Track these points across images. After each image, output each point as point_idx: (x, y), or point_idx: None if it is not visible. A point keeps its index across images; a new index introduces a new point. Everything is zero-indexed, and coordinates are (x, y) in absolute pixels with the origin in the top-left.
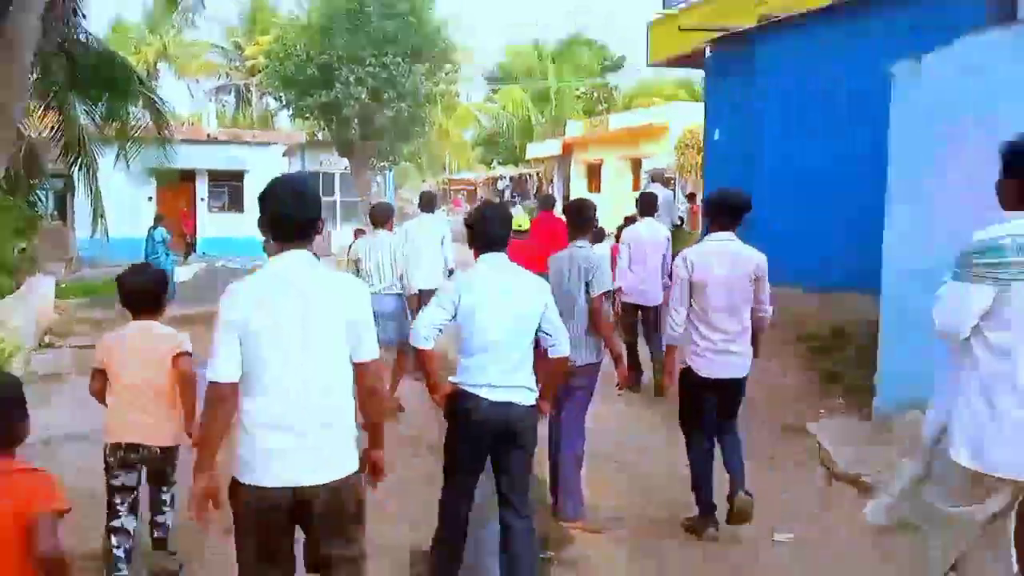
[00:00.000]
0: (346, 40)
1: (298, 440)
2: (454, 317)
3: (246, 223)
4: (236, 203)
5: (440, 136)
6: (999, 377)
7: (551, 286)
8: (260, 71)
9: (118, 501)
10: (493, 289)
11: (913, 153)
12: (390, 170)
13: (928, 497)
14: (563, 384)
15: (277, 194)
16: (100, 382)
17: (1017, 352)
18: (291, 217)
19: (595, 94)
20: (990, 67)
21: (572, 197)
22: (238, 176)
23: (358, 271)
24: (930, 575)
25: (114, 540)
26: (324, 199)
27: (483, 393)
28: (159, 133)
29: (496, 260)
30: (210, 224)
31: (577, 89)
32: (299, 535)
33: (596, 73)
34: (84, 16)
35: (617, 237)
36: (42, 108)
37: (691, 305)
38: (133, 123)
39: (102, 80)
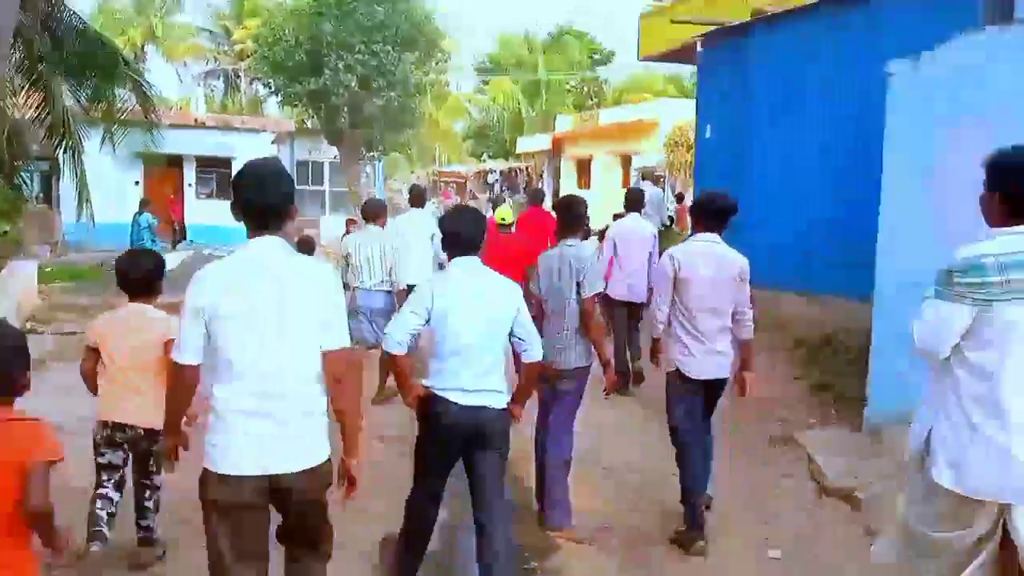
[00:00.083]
0: (335, 26)
1: (279, 428)
2: (427, 322)
3: None
4: (224, 190)
5: (430, 127)
6: (980, 399)
7: (541, 285)
8: (249, 56)
9: (104, 478)
10: (466, 293)
11: (908, 154)
12: (379, 160)
13: (914, 520)
14: (551, 388)
15: (247, 180)
16: (92, 361)
17: (999, 374)
18: (262, 203)
19: (585, 88)
20: (988, 67)
21: (562, 193)
22: (226, 163)
23: (348, 266)
24: None
25: (98, 504)
26: (313, 188)
27: (453, 397)
28: (146, 117)
29: (469, 264)
30: (198, 211)
31: (567, 82)
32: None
33: (586, 66)
34: None
35: (600, 237)
36: (26, 88)
37: (675, 304)
38: (120, 106)
39: (87, 60)
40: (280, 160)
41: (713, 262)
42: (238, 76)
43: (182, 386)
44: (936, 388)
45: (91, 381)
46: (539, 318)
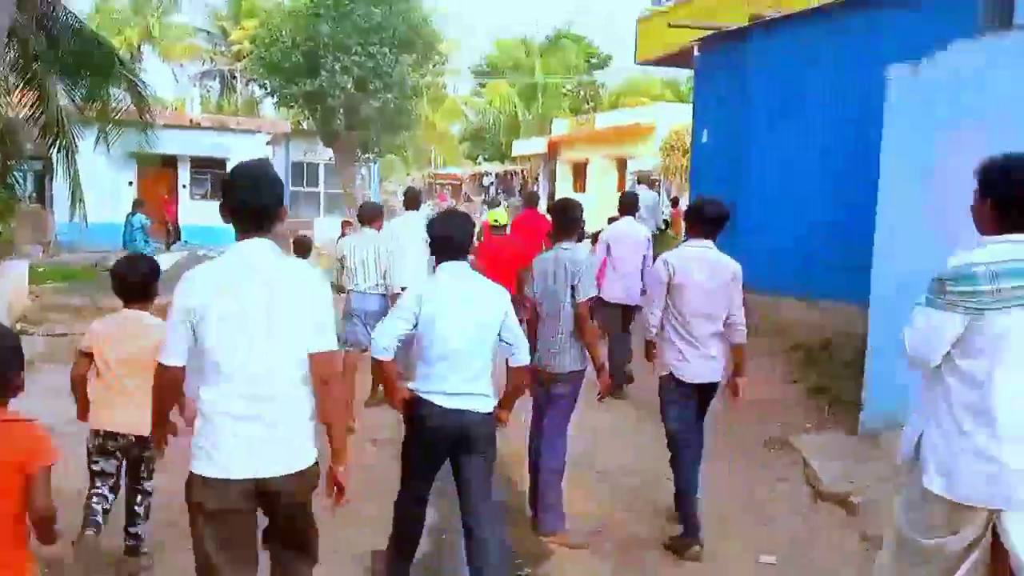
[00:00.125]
0: (332, 27)
1: (268, 431)
2: (415, 327)
3: None
4: (219, 191)
5: (426, 129)
6: (970, 407)
7: (536, 288)
8: (245, 56)
9: (98, 484)
10: (454, 298)
11: (907, 158)
12: (375, 162)
13: (907, 528)
14: (545, 392)
15: (242, 181)
16: (84, 367)
17: (990, 382)
18: (256, 204)
19: (582, 92)
20: (987, 72)
21: (557, 196)
22: (221, 164)
23: (343, 268)
24: None
25: (94, 499)
26: (308, 190)
27: (438, 400)
28: (141, 117)
29: (457, 269)
30: (192, 211)
31: (564, 86)
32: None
33: (583, 70)
34: None
35: (594, 240)
36: (20, 87)
37: (669, 309)
38: (114, 105)
39: (82, 59)
40: (270, 161)
41: (707, 268)
42: (234, 77)
43: (167, 386)
44: (927, 396)
45: (80, 388)
46: (533, 321)
